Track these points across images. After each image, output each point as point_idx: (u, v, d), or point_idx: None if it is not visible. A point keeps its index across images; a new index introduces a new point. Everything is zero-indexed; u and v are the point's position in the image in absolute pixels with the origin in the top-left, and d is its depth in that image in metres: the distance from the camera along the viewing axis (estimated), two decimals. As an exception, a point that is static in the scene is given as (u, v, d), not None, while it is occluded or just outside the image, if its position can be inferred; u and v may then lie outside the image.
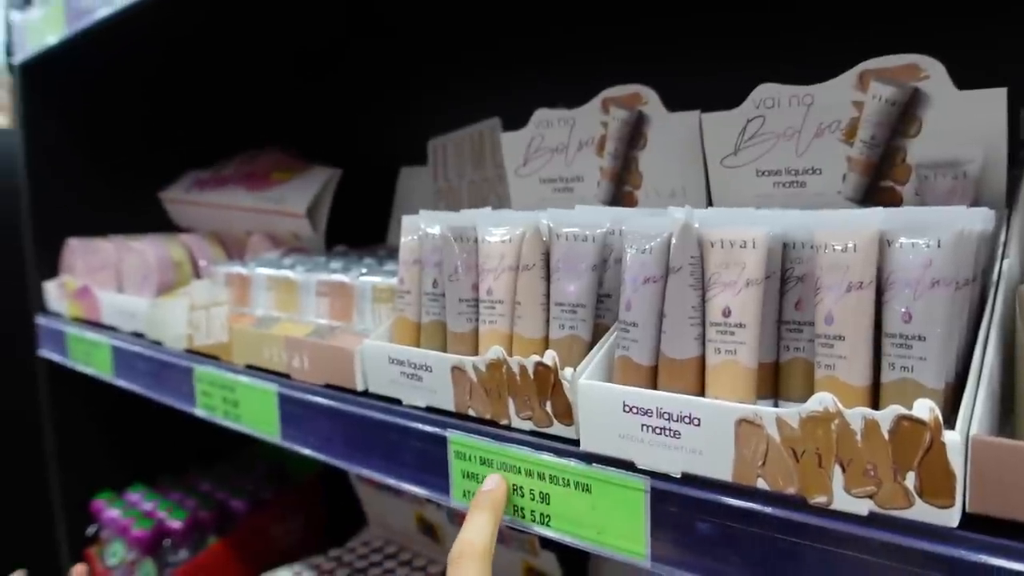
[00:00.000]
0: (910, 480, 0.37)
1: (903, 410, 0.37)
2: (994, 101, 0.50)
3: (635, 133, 0.68)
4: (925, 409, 0.37)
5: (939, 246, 0.40)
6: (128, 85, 1.34)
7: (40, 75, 1.25)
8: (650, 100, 0.67)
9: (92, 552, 1.31)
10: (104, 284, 1.11)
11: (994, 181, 0.51)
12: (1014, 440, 0.36)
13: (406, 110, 1.25)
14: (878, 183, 0.56)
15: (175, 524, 1.22)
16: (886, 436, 0.38)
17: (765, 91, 0.59)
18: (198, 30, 1.19)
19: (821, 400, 0.39)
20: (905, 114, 0.53)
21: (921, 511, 0.37)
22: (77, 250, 1.19)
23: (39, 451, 1.31)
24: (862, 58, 0.54)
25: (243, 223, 1.19)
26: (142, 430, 1.40)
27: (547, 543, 0.90)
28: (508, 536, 0.92)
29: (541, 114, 0.74)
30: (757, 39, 0.88)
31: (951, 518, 0.37)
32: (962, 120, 0.51)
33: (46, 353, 1.23)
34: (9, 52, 2.77)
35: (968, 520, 0.37)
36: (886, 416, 0.37)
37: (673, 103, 0.66)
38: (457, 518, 0.98)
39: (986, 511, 0.37)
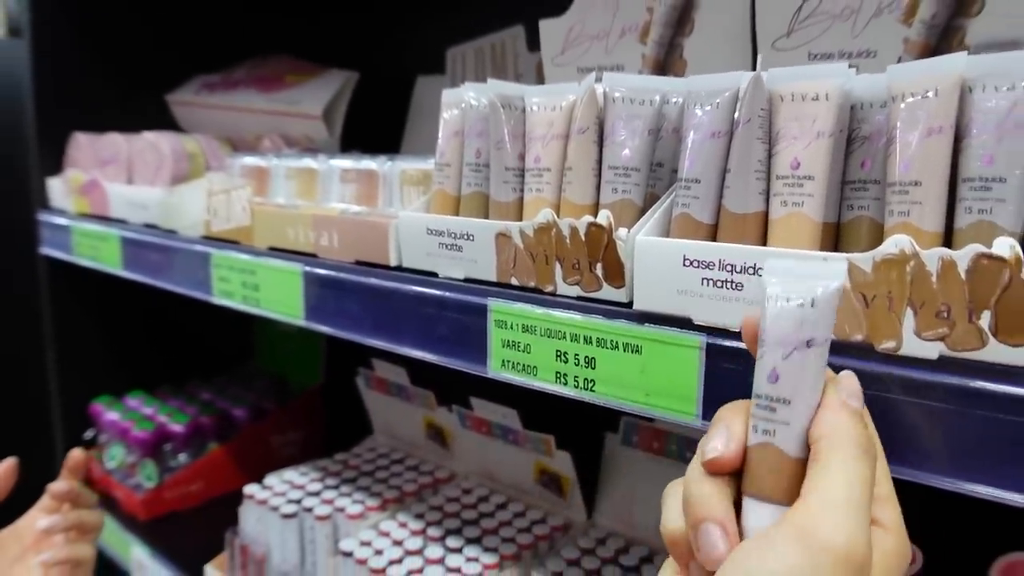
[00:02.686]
0: (985, 320, 0.37)
1: (982, 248, 0.37)
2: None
3: (682, 18, 0.67)
4: (1006, 247, 0.36)
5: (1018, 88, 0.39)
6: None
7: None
8: (701, -20, 0.65)
9: (90, 455, 1.30)
10: (113, 177, 1.09)
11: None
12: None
13: (424, 17, 1.22)
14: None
15: (176, 428, 1.21)
16: (963, 276, 0.37)
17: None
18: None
19: (897, 242, 0.39)
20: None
21: (995, 351, 0.37)
22: (84, 144, 1.17)
23: (40, 353, 1.30)
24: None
25: (255, 125, 1.17)
26: (142, 339, 1.38)
27: (563, 443, 0.90)
28: (523, 437, 0.93)
29: (580, 1, 0.73)
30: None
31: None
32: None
33: (48, 251, 1.21)
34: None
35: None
36: (964, 255, 0.37)
37: (725, -17, 0.65)
38: (470, 421, 0.98)
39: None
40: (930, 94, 0.41)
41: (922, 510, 0.72)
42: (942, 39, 0.55)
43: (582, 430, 0.93)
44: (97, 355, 1.33)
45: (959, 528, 0.69)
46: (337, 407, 1.38)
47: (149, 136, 1.04)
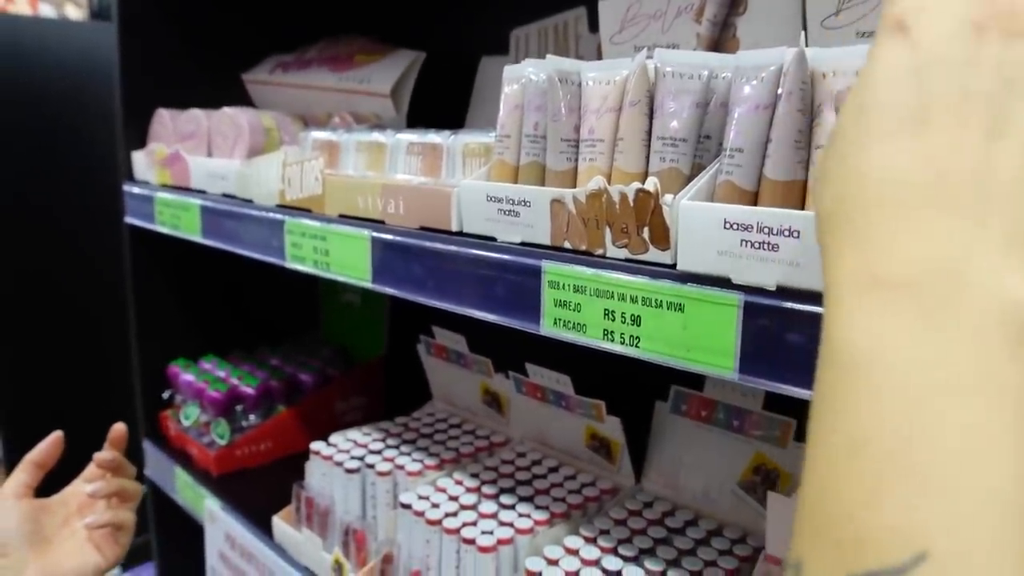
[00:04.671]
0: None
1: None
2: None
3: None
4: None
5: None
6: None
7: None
8: (754, -40, 0.68)
9: (167, 414, 1.39)
10: (193, 151, 1.16)
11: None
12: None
13: None
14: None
15: (247, 390, 1.29)
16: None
17: (874, -55, 0.59)
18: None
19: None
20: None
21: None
22: (166, 120, 1.24)
23: (122, 316, 1.38)
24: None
25: (326, 103, 1.22)
26: (217, 306, 1.46)
27: (613, 409, 0.94)
28: (575, 403, 0.97)
29: (638, -21, 0.76)
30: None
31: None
32: None
33: (133, 220, 1.29)
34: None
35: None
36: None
37: (778, -37, 0.67)
38: (525, 387, 1.03)
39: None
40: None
41: None
42: None
43: (633, 398, 0.97)
44: (175, 320, 1.41)
45: None
46: (399, 376, 1.44)
47: (228, 111, 1.11)
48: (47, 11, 2.59)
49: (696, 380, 0.91)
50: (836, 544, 0.26)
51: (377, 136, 0.90)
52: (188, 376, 1.33)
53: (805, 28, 0.65)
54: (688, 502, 0.92)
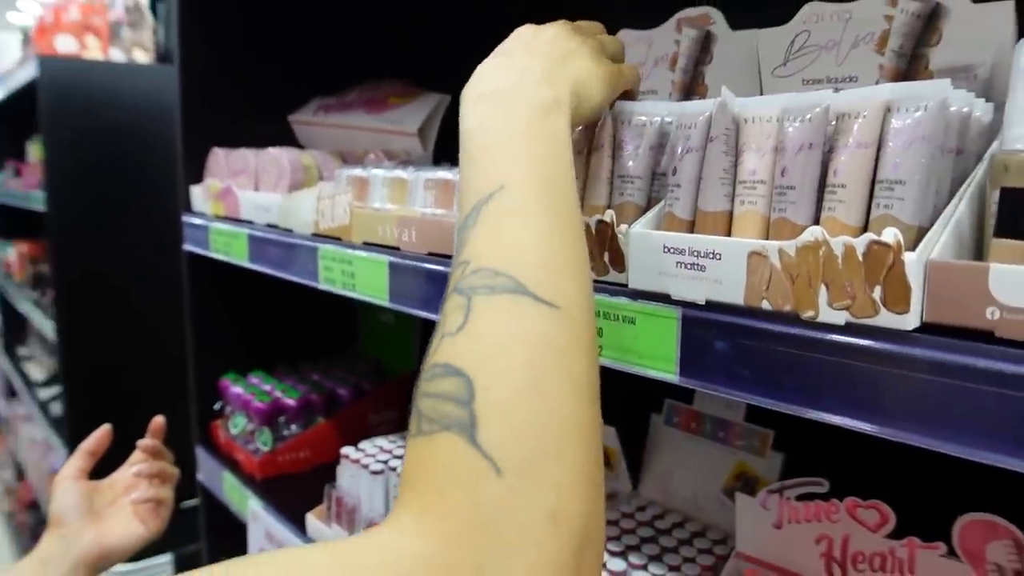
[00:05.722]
0: (877, 293, 0.48)
1: (874, 236, 0.48)
2: (1003, 13, 0.59)
3: (703, 50, 0.79)
4: (891, 235, 0.47)
5: (925, 110, 0.50)
6: (266, 21, 1.51)
7: (196, 11, 1.43)
8: (717, 20, 0.77)
9: (217, 423, 1.51)
10: (243, 186, 1.29)
11: (1001, 82, 0.60)
12: (963, 261, 0.46)
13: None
14: (906, 88, 0.65)
15: (289, 402, 1.40)
16: (860, 258, 0.48)
17: (811, 9, 0.69)
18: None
19: (812, 232, 0.50)
20: (928, 26, 0.62)
21: (885, 317, 0.48)
22: (220, 158, 1.38)
23: (180, 334, 1.52)
24: (893, -23, 0.63)
25: (362, 142, 1.35)
26: (264, 325, 1.59)
27: (608, 419, 1.02)
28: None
29: (623, 35, 0.85)
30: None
31: (908, 323, 0.47)
32: (975, 30, 0.60)
33: (190, 247, 1.43)
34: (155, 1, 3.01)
35: (925, 327, 0.47)
36: (861, 241, 0.48)
37: (736, 23, 0.76)
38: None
39: (939, 320, 0.47)
40: (862, 114, 0.52)
41: (892, 473, 0.81)
42: (911, 65, 0.65)
43: (631, 411, 1.05)
44: (226, 337, 1.55)
45: (925, 489, 0.77)
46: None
47: (273, 151, 1.24)
48: (117, 55, 2.79)
49: (687, 394, 0.99)
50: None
51: (399, 172, 1.01)
52: (237, 389, 1.45)
53: (760, 76, 0.74)
54: (679, 506, 1.00)
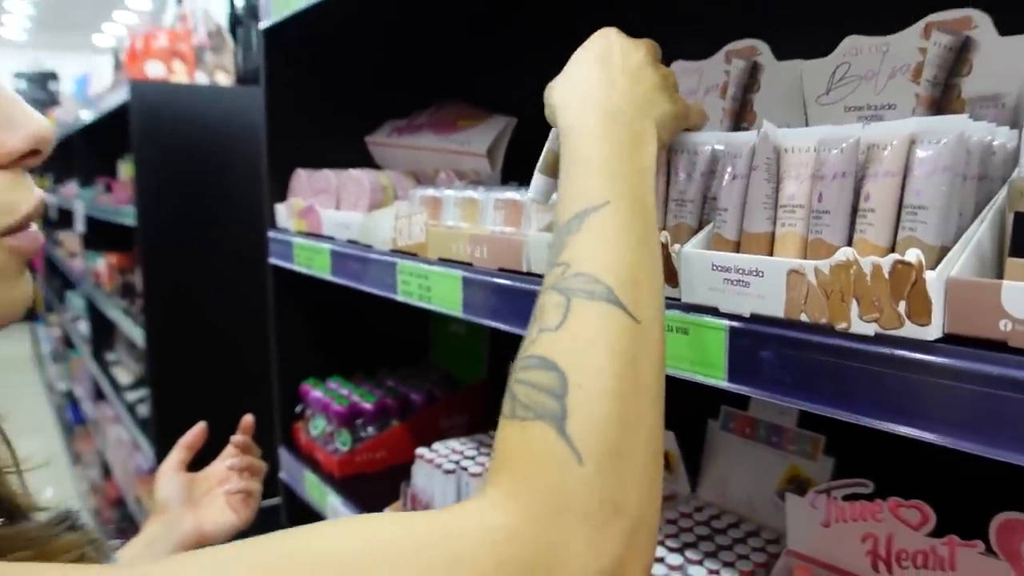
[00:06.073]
0: (902, 307, 0.54)
1: (898, 256, 0.53)
2: (1029, 47, 0.64)
3: (751, 79, 0.85)
4: (913, 255, 0.53)
5: (945, 142, 0.55)
6: (343, 49, 1.62)
7: (279, 39, 1.54)
8: (763, 52, 0.83)
9: (299, 425, 1.62)
10: (325, 204, 1.39)
11: (1028, 112, 0.65)
12: (978, 279, 0.52)
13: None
14: (940, 115, 0.70)
15: (366, 406, 1.50)
16: (887, 276, 0.54)
17: (851, 42, 0.74)
18: (403, 13, 1.44)
19: (844, 252, 0.56)
20: (959, 58, 0.68)
21: (909, 328, 0.54)
22: (303, 178, 1.48)
23: (265, 341, 1.63)
24: (927, 12, 0.69)
25: (433, 162, 1.43)
26: (343, 334, 1.70)
27: (668, 424, 1.08)
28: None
29: (677, 65, 0.92)
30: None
31: (929, 334, 0.53)
32: (1004, 62, 0.65)
33: (275, 261, 1.54)
34: (234, 23, 3.17)
35: (947, 337, 0.53)
36: (887, 261, 0.54)
37: (781, 54, 0.82)
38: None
39: (958, 331, 0.52)
40: (887, 146, 0.58)
41: (930, 472, 0.85)
42: (944, 94, 0.70)
43: (690, 418, 1.11)
44: (307, 345, 1.65)
45: (962, 489, 0.81)
46: (495, 398, 1.62)
47: (353, 173, 1.33)
48: (201, 78, 2.96)
49: (742, 401, 1.04)
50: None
51: (471, 193, 1.09)
52: (317, 393, 1.55)
53: (805, 104, 0.80)
54: (734, 507, 1.05)
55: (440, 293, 1.02)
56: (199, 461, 1.15)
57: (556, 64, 0.73)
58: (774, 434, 1.01)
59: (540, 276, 0.86)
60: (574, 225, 0.58)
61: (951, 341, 0.52)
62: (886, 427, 0.55)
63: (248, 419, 1.18)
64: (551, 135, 0.81)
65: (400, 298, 1.11)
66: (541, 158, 0.82)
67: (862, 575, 0.80)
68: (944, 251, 0.55)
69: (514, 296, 0.88)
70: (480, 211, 1.08)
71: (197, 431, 1.15)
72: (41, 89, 8.67)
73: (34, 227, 0.54)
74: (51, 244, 5.17)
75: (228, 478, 1.11)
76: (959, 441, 0.51)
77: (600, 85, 0.66)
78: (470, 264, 0.98)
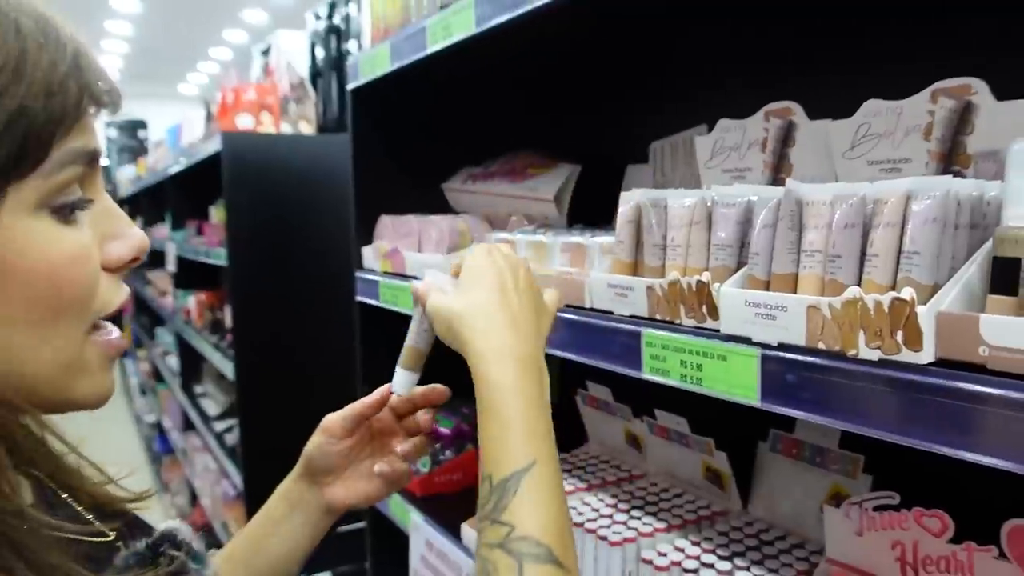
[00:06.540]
0: (899, 336, 0.64)
1: (895, 294, 0.64)
2: (1021, 109, 0.74)
3: (786, 137, 0.96)
4: (908, 293, 0.63)
5: (934, 198, 0.66)
6: (421, 104, 1.78)
7: (365, 98, 1.72)
8: (797, 112, 0.95)
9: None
10: (408, 247, 1.54)
11: (1022, 167, 0.74)
12: (962, 312, 0.62)
13: (634, 117, 1.58)
14: (949, 168, 0.81)
15: (444, 431, 1.63)
16: (886, 310, 0.65)
17: (870, 105, 0.85)
18: (474, 70, 1.60)
19: (852, 291, 0.67)
20: (962, 119, 0.78)
21: (906, 354, 0.64)
22: (388, 223, 1.64)
23: (352, 371, 1.79)
24: (933, 80, 0.79)
25: (505, 207, 1.57)
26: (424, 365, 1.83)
27: (720, 444, 1.18)
28: (691, 440, 1.22)
29: (723, 123, 1.04)
30: (863, 69, 1.11)
31: (923, 358, 0.63)
32: (999, 123, 0.75)
33: (361, 298, 1.69)
34: (315, 75, 3.39)
35: (940, 361, 0.63)
36: (886, 298, 0.65)
37: (813, 114, 0.94)
38: (656, 429, 1.29)
39: (949, 356, 0.63)
40: (888, 201, 0.69)
41: (945, 481, 0.94)
42: (952, 150, 0.80)
43: (740, 439, 1.21)
44: (390, 375, 1.79)
45: (974, 496, 0.89)
46: (563, 421, 1.74)
47: (434, 218, 1.48)
48: (285, 128, 3.19)
49: (788, 424, 1.14)
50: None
51: (540, 237, 1.23)
52: (399, 420, 1.69)
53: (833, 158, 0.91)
54: (782, 522, 1.14)
55: (512, 326, 1.14)
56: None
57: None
58: (818, 454, 1.11)
59: (601, 312, 0.98)
60: (511, 486, 0.67)
61: (944, 364, 0.63)
62: (886, 437, 0.66)
63: (441, 389, 1.08)
64: (411, 328, 0.96)
65: (476, 331, 1.24)
66: (403, 354, 0.94)
67: (893, 579, 0.89)
68: (937, 289, 0.66)
69: (579, 329, 1.01)
70: (548, 253, 1.21)
71: (380, 396, 1.03)
72: (131, 137, 9.05)
73: (117, 332, 0.64)
74: (141, 283, 5.50)
75: (383, 454, 1.02)
76: (951, 449, 0.61)
77: (506, 325, 0.76)
78: (539, 300, 1.10)
